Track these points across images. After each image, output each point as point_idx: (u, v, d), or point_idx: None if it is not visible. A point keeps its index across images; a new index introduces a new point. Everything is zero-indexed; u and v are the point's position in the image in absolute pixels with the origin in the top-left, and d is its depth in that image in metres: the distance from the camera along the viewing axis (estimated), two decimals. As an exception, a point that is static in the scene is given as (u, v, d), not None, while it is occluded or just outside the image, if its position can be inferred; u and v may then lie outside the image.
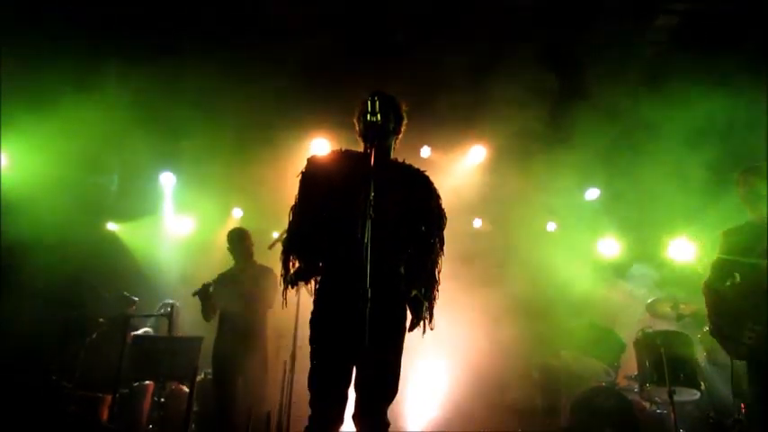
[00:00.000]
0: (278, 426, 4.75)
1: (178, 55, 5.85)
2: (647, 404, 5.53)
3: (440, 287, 3.04)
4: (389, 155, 3.11)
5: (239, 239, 5.51)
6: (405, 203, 2.96)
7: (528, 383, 6.99)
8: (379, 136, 2.80)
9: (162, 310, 6.34)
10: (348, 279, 2.60)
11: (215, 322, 5.33)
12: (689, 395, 5.21)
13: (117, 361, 5.09)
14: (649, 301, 5.82)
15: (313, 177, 3.03)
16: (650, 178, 6.20)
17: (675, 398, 4.89)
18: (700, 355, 5.41)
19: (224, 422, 5.00)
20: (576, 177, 7.20)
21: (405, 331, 2.90)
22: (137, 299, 6.22)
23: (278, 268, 2.98)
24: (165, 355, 5.19)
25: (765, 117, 5.11)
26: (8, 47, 5.16)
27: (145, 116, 6.46)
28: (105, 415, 5.41)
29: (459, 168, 7.72)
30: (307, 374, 2.79)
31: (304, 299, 4.31)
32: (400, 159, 3.16)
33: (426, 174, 3.15)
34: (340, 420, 2.74)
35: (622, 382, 5.79)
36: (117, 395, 5.15)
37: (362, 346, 2.41)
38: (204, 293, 5.25)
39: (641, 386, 5.36)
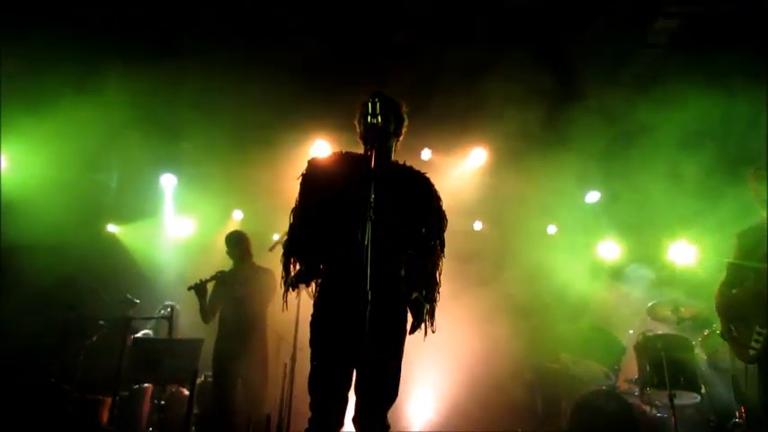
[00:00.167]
0: (278, 428, 4.74)
1: (178, 56, 5.86)
2: (647, 407, 5.52)
3: (440, 289, 3.03)
4: (390, 157, 3.11)
5: (237, 242, 5.52)
6: (405, 205, 2.95)
7: (528, 386, 6.98)
8: (379, 138, 2.80)
9: (162, 312, 6.33)
10: (348, 281, 2.59)
11: (214, 324, 5.33)
12: (689, 399, 5.21)
13: (117, 363, 5.09)
14: (650, 304, 5.81)
15: (314, 179, 3.03)
16: (650, 181, 6.20)
17: (676, 401, 4.89)
18: (700, 358, 5.40)
19: (224, 424, 5.00)
20: (576, 180, 7.21)
21: (405, 334, 2.90)
22: (138, 301, 6.21)
23: (278, 270, 2.98)
24: (165, 357, 5.19)
25: (765, 118, 5.11)
26: (8, 47, 5.16)
27: (145, 117, 6.47)
28: (105, 417, 5.41)
29: (459, 171, 7.72)
30: (307, 377, 2.78)
31: (304, 301, 4.31)
32: (401, 161, 3.16)
33: (427, 175, 3.14)
34: (340, 423, 2.74)
35: (623, 386, 5.78)
36: (117, 397, 5.14)
37: (363, 349, 2.41)
38: (200, 288, 5.25)
39: (641, 389, 5.35)
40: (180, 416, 5.24)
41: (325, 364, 2.75)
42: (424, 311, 2.92)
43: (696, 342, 5.42)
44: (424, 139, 7.29)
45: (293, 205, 3.02)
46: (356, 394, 2.76)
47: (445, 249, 3.08)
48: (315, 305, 2.90)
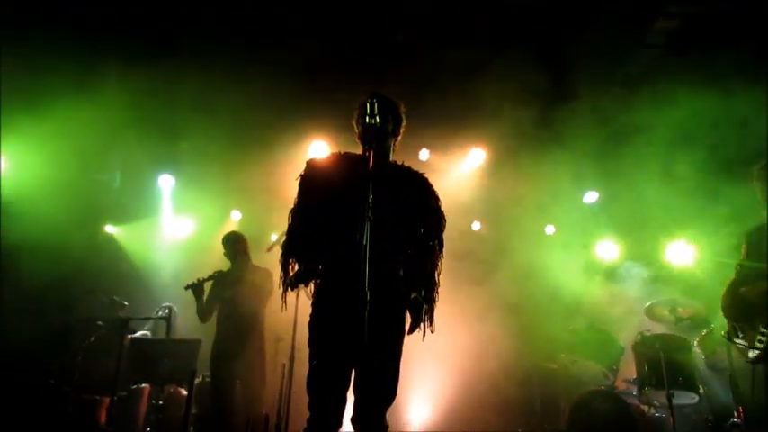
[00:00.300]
0: (276, 428, 4.74)
1: (177, 56, 5.85)
2: (645, 407, 5.53)
3: (439, 289, 3.03)
4: (388, 157, 3.12)
5: (235, 243, 5.51)
6: (403, 205, 2.96)
7: (526, 386, 6.98)
8: (377, 138, 2.80)
9: (160, 313, 6.33)
10: (347, 281, 2.59)
11: (212, 325, 5.32)
12: (687, 398, 5.22)
13: (115, 363, 5.09)
14: (648, 304, 5.82)
15: (312, 180, 3.03)
16: (648, 181, 6.20)
17: (674, 401, 4.89)
18: (698, 358, 5.41)
19: (222, 425, 4.99)
20: (574, 180, 7.21)
21: (404, 334, 2.90)
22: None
23: (276, 271, 2.98)
24: (163, 357, 5.19)
25: (764, 119, 5.12)
26: (8, 47, 5.16)
27: (143, 118, 6.46)
28: (103, 417, 5.40)
29: (457, 171, 7.72)
30: (305, 377, 2.78)
31: (302, 301, 4.31)
32: (399, 161, 3.16)
33: (425, 176, 3.15)
34: (339, 423, 2.74)
35: (621, 386, 5.79)
36: (115, 398, 5.13)
37: (361, 349, 2.41)
38: (197, 288, 5.25)
39: (640, 389, 5.36)
40: (178, 416, 5.23)
41: (323, 364, 2.75)
42: (423, 311, 2.92)
43: (694, 342, 5.43)
44: (422, 140, 7.29)
45: (292, 206, 3.03)
46: (355, 394, 2.76)
47: (444, 249, 3.08)
48: (313, 305, 2.90)
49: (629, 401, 5.35)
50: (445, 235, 3.10)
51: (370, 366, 2.71)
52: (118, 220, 7.98)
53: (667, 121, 5.80)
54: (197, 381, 5.45)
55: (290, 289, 2.91)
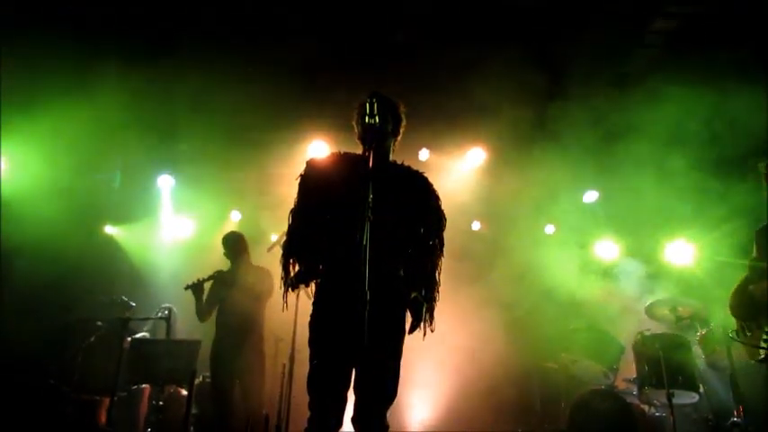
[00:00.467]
0: (276, 428, 4.73)
1: (176, 57, 5.84)
2: (645, 407, 5.53)
3: (440, 288, 3.03)
4: (388, 157, 3.11)
5: (234, 243, 5.51)
6: (404, 205, 2.95)
7: (526, 386, 6.98)
8: (377, 138, 2.80)
9: (160, 314, 6.32)
10: (347, 281, 2.59)
11: (212, 325, 5.32)
12: (687, 398, 5.22)
13: (115, 364, 5.08)
14: (648, 303, 5.83)
15: (312, 180, 3.03)
16: (648, 181, 6.20)
17: (674, 400, 4.90)
18: (698, 357, 5.41)
19: (222, 425, 4.99)
20: (574, 180, 7.21)
21: (404, 333, 2.90)
22: (134, 304, 6.20)
23: (276, 271, 2.98)
24: (164, 358, 5.18)
25: (764, 118, 5.12)
26: (8, 48, 5.15)
27: (143, 118, 6.46)
28: (103, 418, 5.40)
29: (457, 171, 7.72)
30: (306, 377, 2.78)
31: (303, 301, 4.31)
32: (399, 161, 3.16)
33: (425, 175, 3.15)
34: (339, 423, 2.74)
35: (621, 385, 5.79)
36: (115, 398, 5.13)
37: (361, 349, 2.41)
38: (197, 288, 5.25)
39: (640, 389, 5.36)
40: (178, 416, 5.23)
41: (323, 363, 2.75)
42: (424, 311, 2.91)
43: (694, 341, 5.43)
44: (421, 139, 7.29)
45: (292, 206, 3.02)
46: (355, 394, 2.76)
47: (444, 249, 3.08)
48: (314, 305, 2.90)
49: (629, 401, 5.35)
50: (445, 234, 3.10)
51: (370, 366, 2.71)
52: (118, 220, 7.97)
53: (667, 120, 5.80)
54: (197, 381, 5.45)
55: (290, 289, 2.91)
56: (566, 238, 7.64)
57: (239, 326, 5.14)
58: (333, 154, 3.12)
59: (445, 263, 3.09)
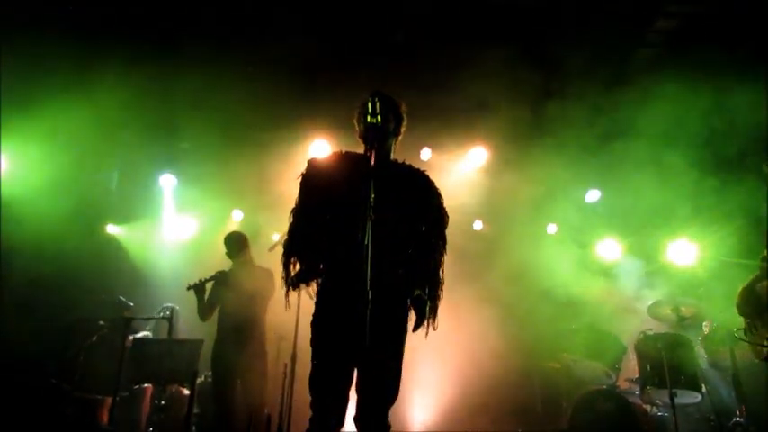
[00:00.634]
0: (278, 428, 4.74)
1: (178, 56, 5.85)
2: (647, 407, 5.52)
3: (443, 287, 3.02)
4: (390, 156, 3.11)
5: (236, 243, 5.51)
6: (405, 204, 2.94)
7: (528, 386, 6.98)
8: (379, 137, 2.80)
9: (162, 314, 6.33)
10: (349, 281, 2.59)
11: (214, 325, 5.32)
12: (690, 398, 5.21)
13: (117, 363, 5.09)
14: (650, 303, 5.82)
15: (313, 179, 3.03)
16: (650, 180, 6.20)
17: (676, 400, 4.89)
18: (700, 357, 5.40)
19: (224, 425, 4.99)
20: (576, 179, 7.20)
21: (406, 333, 2.89)
22: (132, 304, 6.20)
23: (278, 270, 2.97)
24: (165, 357, 5.18)
25: (765, 118, 5.11)
26: (8, 47, 5.16)
27: (144, 118, 6.46)
28: (105, 417, 5.41)
29: (459, 170, 7.71)
30: (307, 377, 2.78)
31: (304, 301, 4.31)
32: (400, 160, 3.15)
33: (426, 173, 3.14)
34: (341, 422, 2.73)
35: (623, 385, 5.79)
36: (117, 398, 5.13)
37: (363, 348, 2.41)
38: (200, 288, 5.26)
39: (642, 389, 5.35)
40: (180, 416, 5.24)
41: (325, 363, 2.74)
42: (427, 309, 2.91)
43: (696, 341, 5.42)
44: (423, 139, 7.29)
45: (293, 205, 3.02)
46: (357, 394, 2.75)
47: (447, 247, 3.07)
48: (315, 305, 2.90)
49: (631, 401, 5.35)
50: (447, 233, 3.09)
51: (371, 366, 2.70)
52: (118, 219, 7.98)
53: (668, 119, 5.79)
54: (199, 381, 5.46)
55: (292, 288, 2.90)
56: (567, 238, 7.64)
57: (241, 326, 5.14)
58: (334, 153, 3.11)
59: (447, 262, 3.08)
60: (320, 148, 7.08)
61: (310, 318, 2.89)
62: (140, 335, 6.26)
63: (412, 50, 6.09)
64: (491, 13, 5.73)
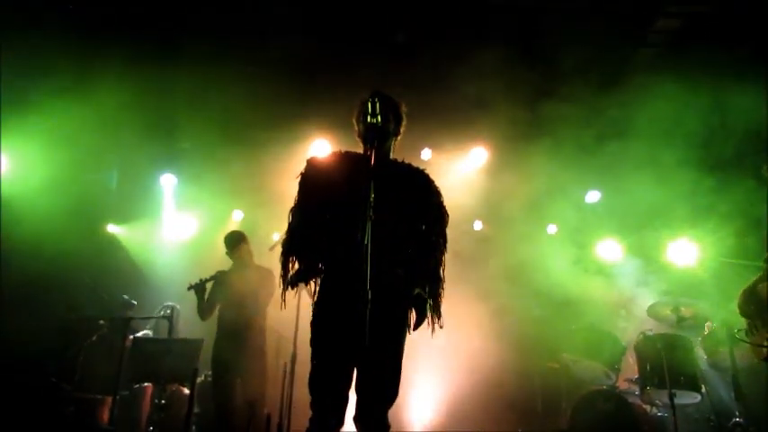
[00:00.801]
0: (278, 427, 4.74)
1: (178, 56, 5.85)
2: (647, 407, 5.52)
3: (444, 285, 3.01)
4: (389, 156, 3.11)
5: (236, 242, 5.50)
6: (405, 203, 2.94)
7: (528, 386, 6.98)
8: (378, 137, 2.80)
9: (162, 313, 6.33)
10: (348, 281, 2.59)
11: (214, 324, 5.33)
12: (689, 398, 5.21)
13: (117, 363, 5.09)
14: (650, 303, 5.82)
15: (312, 179, 3.02)
16: (650, 180, 6.20)
17: (676, 401, 4.89)
18: (700, 357, 5.40)
19: (224, 424, 4.99)
20: (577, 179, 7.20)
21: (405, 333, 2.89)
22: (135, 302, 6.21)
23: (278, 270, 2.97)
24: (166, 357, 5.18)
25: (765, 119, 5.12)
26: (7, 47, 5.16)
27: (144, 117, 6.46)
28: (105, 417, 5.41)
29: (460, 171, 7.71)
30: (307, 377, 2.78)
31: (304, 301, 4.31)
32: (399, 159, 3.15)
33: (426, 172, 3.14)
34: (340, 422, 2.73)
35: (623, 385, 5.78)
36: (117, 397, 5.14)
37: (363, 348, 2.41)
38: (200, 288, 5.26)
39: (642, 389, 5.35)
40: (180, 415, 5.24)
41: (325, 363, 2.74)
42: (428, 307, 2.90)
43: (696, 342, 5.42)
44: (424, 139, 7.29)
45: (293, 205, 3.02)
46: (356, 394, 2.75)
47: (447, 245, 3.07)
48: (315, 305, 2.90)
49: (631, 401, 5.35)
50: (447, 233, 3.08)
51: (371, 366, 2.70)
52: (119, 219, 7.98)
53: (668, 119, 5.79)
54: (199, 380, 5.46)
55: (289, 288, 2.90)
56: (567, 238, 7.64)
57: (241, 325, 5.14)
58: (334, 153, 3.11)
59: (447, 262, 3.07)
60: (320, 147, 7.08)
61: (310, 317, 2.89)
62: (140, 334, 6.26)
63: (412, 50, 6.09)
64: (491, 12, 5.74)
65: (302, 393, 3.02)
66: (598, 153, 6.64)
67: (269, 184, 6.88)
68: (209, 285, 5.35)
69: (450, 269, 3.08)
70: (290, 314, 4.38)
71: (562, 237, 7.83)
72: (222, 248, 5.57)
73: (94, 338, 5.76)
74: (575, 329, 6.12)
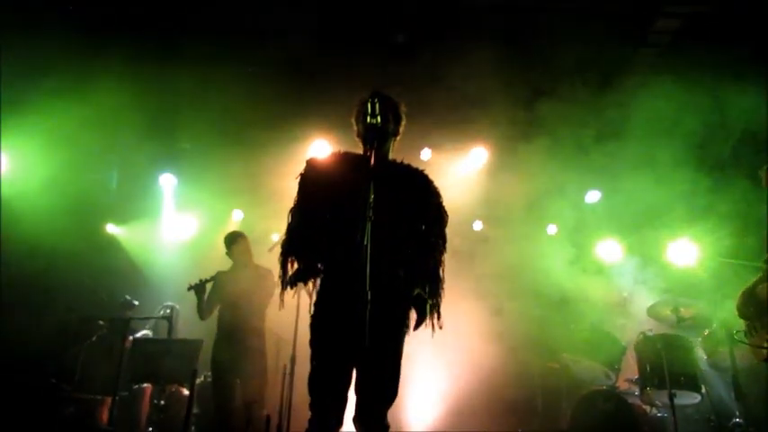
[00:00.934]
0: (278, 428, 4.74)
1: (178, 56, 5.85)
2: (647, 407, 5.52)
3: (444, 286, 3.00)
4: (389, 156, 3.10)
5: (236, 242, 5.50)
6: (404, 204, 2.94)
7: (528, 386, 6.98)
8: (378, 138, 2.80)
9: (162, 313, 6.33)
10: (348, 281, 2.59)
11: (214, 325, 5.32)
12: (689, 398, 5.21)
13: (116, 363, 5.09)
14: (650, 304, 5.82)
15: (312, 179, 3.02)
16: (650, 180, 6.20)
17: (676, 401, 4.89)
18: (700, 358, 5.40)
19: (223, 425, 4.99)
20: (577, 179, 7.20)
21: (405, 333, 2.89)
22: (137, 303, 6.21)
23: (277, 270, 2.97)
24: (165, 357, 5.18)
25: (765, 119, 5.11)
26: (7, 47, 5.16)
27: (144, 118, 6.46)
28: (104, 417, 5.40)
29: (460, 171, 7.71)
30: (306, 378, 2.78)
31: (304, 301, 4.31)
32: (398, 159, 3.14)
33: (425, 173, 3.13)
34: (340, 423, 2.73)
35: (623, 386, 5.78)
36: (116, 397, 5.13)
37: (362, 349, 2.40)
38: (200, 288, 5.26)
39: (642, 389, 5.35)
40: (179, 416, 5.23)
41: (324, 363, 2.74)
42: (427, 307, 2.90)
43: (696, 342, 5.42)
44: (424, 139, 7.28)
45: (292, 205, 3.02)
46: (356, 394, 2.75)
47: (447, 245, 3.07)
48: (314, 305, 2.89)
49: (630, 401, 5.35)
50: (447, 234, 3.08)
51: (370, 366, 2.70)
52: (119, 219, 7.98)
53: (668, 119, 5.79)
54: (198, 381, 5.45)
55: (288, 288, 2.90)
56: (568, 239, 7.63)
57: (241, 326, 5.14)
58: (333, 153, 3.10)
59: (446, 262, 3.07)
60: (320, 147, 7.08)
61: (309, 319, 2.88)
62: (140, 334, 6.26)
63: (411, 50, 6.08)
64: (491, 12, 5.73)
65: (302, 394, 3.01)
66: (598, 153, 6.64)
67: (268, 185, 6.87)
68: (208, 286, 5.35)
69: (450, 269, 3.08)
70: (290, 315, 4.38)
71: (562, 237, 7.83)
72: (222, 249, 5.57)
73: (94, 339, 5.76)
74: (575, 329, 6.12)
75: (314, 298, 2.91)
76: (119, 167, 7.88)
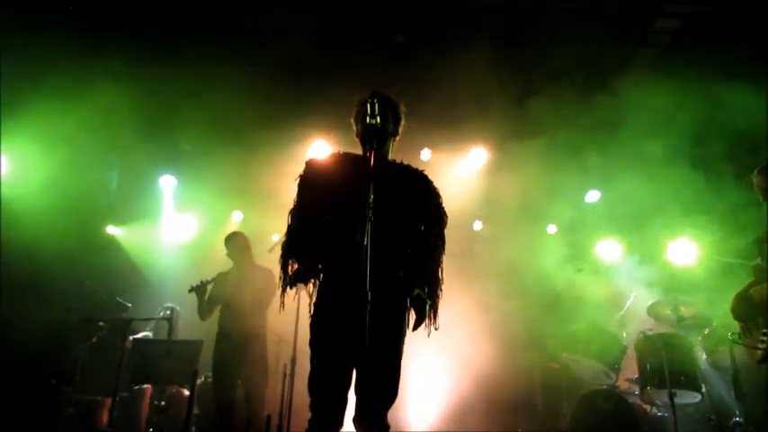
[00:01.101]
0: (278, 429, 4.74)
1: (178, 56, 5.85)
2: (647, 407, 5.52)
3: (443, 287, 3.01)
4: (388, 156, 3.10)
5: (236, 243, 5.51)
6: (404, 204, 2.94)
7: (528, 385, 6.98)
8: (377, 138, 2.80)
9: (162, 314, 6.33)
10: (348, 282, 2.59)
11: (214, 325, 5.32)
12: (690, 398, 5.20)
13: (117, 364, 5.08)
14: (650, 303, 5.82)
15: (311, 180, 3.02)
16: (651, 180, 6.20)
17: (676, 400, 4.88)
18: (700, 357, 5.40)
19: (224, 426, 4.99)
20: (577, 179, 7.20)
21: (405, 334, 2.89)
22: (130, 305, 6.20)
23: (278, 271, 2.97)
24: (165, 358, 5.18)
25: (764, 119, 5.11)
26: (7, 47, 5.16)
27: (144, 118, 6.46)
28: (104, 419, 5.41)
29: (459, 171, 7.71)
30: (306, 378, 2.78)
31: (304, 302, 4.30)
32: (398, 160, 3.15)
33: (425, 173, 3.13)
34: (340, 423, 2.73)
35: (623, 385, 5.78)
36: (116, 398, 5.13)
37: (362, 349, 2.40)
38: (201, 290, 5.26)
39: (642, 389, 5.35)
40: (180, 417, 5.23)
41: (324, 364, 2.74)
42: (427, 308, 2.90)
43: (696, 341, 5.42)
44: (423, 140, 7.28)
45: (291, 206, 3.02)
46: (356, 395, 2.75)
47: (446, 246, 3.07)
48: (314, 306, 2.89)
49: (631, 401, 5.34)
50: (447, 234, 3.08)
51: (370, 367, 2.70)
52: (119, 220, 7.98)
53: (668, 119, 5.80)
54: (199, 381, 5.45)
55: (288, 288, 2.90)
56: (568, 239, 7.64)
57: (241, 326, 5.14)
58: (333, 154, 3.10)
59: (446, 262, 3.07)
60: (319, 148, 7.08)
61: (309, 319, 2.88)
62: (140, 335, 6.26)
63: (411, 50, 6.08)
64: (491, 12, 5.73)
65: (302, 395, 3.01)
66: (598, 153, 6.65)
67: (268, 186, 6.88)
68: (209, 287, 5.36)
69: (450, 270, 3.08)
70: (290, 316, 4.38)
71: (562, 237, 7.83)
72: (222, 249, 5.57)
73: (94, 340, 5.76)
74: (575, 329, 6.11)
75: (314, 298, 2.91)
76: (119, 168, 7.88)
